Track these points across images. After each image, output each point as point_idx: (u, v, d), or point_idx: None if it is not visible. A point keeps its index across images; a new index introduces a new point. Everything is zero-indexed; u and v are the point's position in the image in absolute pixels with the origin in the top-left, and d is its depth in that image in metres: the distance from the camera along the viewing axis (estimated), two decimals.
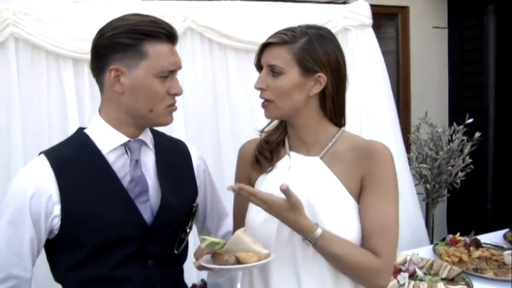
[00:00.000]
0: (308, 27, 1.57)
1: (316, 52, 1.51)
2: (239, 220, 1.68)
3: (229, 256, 1.41)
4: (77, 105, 2.86)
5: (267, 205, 1.43)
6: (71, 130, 2.68)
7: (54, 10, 2.84)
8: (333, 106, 1.58)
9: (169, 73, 1.47)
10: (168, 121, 1.53)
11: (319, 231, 1.46)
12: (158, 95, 1.45)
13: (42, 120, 2.80)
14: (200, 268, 1.45)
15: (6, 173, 2.69)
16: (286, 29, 1.56)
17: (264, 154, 1.64)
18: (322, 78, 1.52)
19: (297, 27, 1.56)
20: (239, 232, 1.46)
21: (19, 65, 2.75)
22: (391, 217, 1.53)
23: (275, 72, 1.52)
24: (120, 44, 1.42)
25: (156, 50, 1.43)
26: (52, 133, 2.80)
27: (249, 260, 1.40)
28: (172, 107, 1.51)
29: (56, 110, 2.84)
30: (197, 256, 1.48)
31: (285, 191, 1.41)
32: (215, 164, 2.67)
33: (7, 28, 2.69)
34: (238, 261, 1.40)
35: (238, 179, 1.73)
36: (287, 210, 1.43)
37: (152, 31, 1.43)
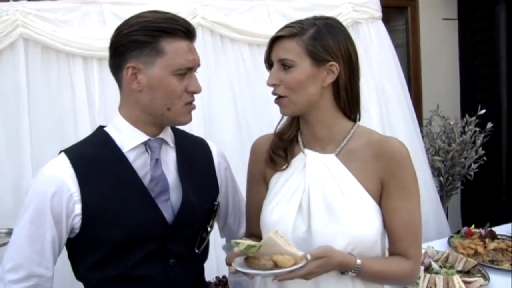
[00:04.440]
0: (316, 18, 1.55)
1: (326, 41, 1.49)
2: (252, 218, 1.66)
3: (266, 260, 1.37)
4: (88, 103, 2.87)
5: (309, 274, 1.39)
6: (82, 129, 2.74)
7: (63, 11, 2.85)
8: (347, 96, 1.54)
9: (186, 70, 1.45)
10: (186, 120, 1.51)
11: (358, 260, 1.45)
12: (176, 93, 1.44)
13: (54, 119, 2.81)
14: (235, 272, 1.41)
15: (17, 173, 2.70)
16: (294, 22, 1.54)
17: (278, 152, 1.62)
18: (335, 66, 1.50)
19: (304, 19, 1.54)
20: (271, 234, 1.40)
21: (29, 65, 2.76)
22: (416, 217, 1.53)
23: (286, 66, 1.50)
24: (137, 42, 1.41)
25: (172, 47, 1.42)
26: (63, 132, 2.80)
27: (287, 263, 1.36)
28: (190, 105, 1.49)
29: (67, 109, 2.85)
30: (230, 260, 1.44)
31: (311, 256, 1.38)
32: (233, 161, 2.65)
33: (17, 29, 2.70)
34: (276, 265, 1.37)
35: (251, 175, 1.72)
36: (325, 264, 1.40)
37: (168, 28, 1.42)
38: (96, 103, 2.88)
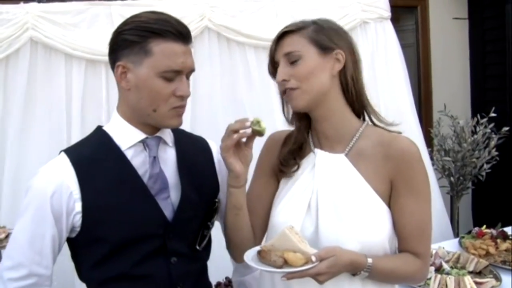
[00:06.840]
0: (315, 19, 1.57)
1: (329, 32, 1.51)
2: (253, 210, 1.63)
3: (277, 257, 1.35)
4: (95, 107, 2.90)
5: (319, 275, 1.37)
6: (89, 131, 2.75)
7: (72, 13, 2.88)
8: (353, 86, 1.53)
9: (175, 74, 1.44)
10: (173, 123, 1.50)
11: (368, 259, 1.43)
12: (160, 95, 1.43)
13: (62, 121, 2.85)
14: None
15: (27, 176, 2.72)
16: (295, 21, 1.56)
17: (289, 163, 1.60)
18: (341, 54, 1.50)
19: (305, 19, 1.56)
20: (286, 229, 1.39)
21: (38, 68, 2.79)
22: (426, 216, 1.52)
23: (292, 59, 1.49)
24: (126, 41, 1.42)
25: (161, 48, 1.41)
26: (71, 136, 2.84)
27: (298, 263, 1.34)
28: (178, 109, 1.48)
29: (75, 111, 2.88)
30: (225, 140, 1.53)
31: (318, 257, 1.37)
32: None
33: (27, 32, 2.73)
34: (286, 262, 1.35)
35: (261, 167, 1.69)
36: (335, 263, 1.38)
37: (158, 29, 1.41)
38: (104, 107, 2.90)
